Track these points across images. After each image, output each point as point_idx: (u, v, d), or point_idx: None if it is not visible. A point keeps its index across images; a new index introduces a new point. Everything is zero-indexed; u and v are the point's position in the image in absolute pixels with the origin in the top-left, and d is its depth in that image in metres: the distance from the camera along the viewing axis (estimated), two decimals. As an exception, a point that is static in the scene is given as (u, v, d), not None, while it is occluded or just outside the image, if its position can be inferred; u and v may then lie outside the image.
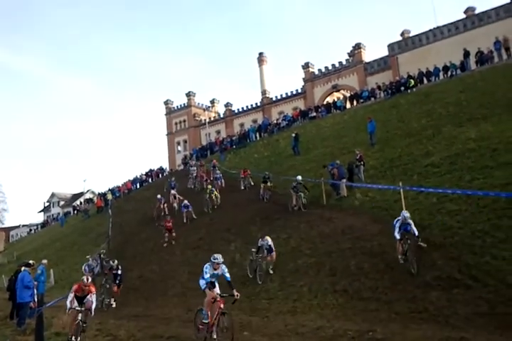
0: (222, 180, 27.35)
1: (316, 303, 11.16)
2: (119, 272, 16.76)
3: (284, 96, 57.31)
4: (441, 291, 9.63)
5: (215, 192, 24.09)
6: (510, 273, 9.14)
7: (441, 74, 32.87)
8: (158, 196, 28.09)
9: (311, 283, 12.38)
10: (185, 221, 23.52)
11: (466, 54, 32.12)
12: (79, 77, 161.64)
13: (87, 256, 22.41)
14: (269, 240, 14.24)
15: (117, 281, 16.51)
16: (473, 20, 42.91)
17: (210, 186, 25.13)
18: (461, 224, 12.01)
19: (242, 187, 25.58)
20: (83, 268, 20.42)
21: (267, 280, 13.79)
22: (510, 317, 7.89)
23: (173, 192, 27.80)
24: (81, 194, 72.58)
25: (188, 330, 10.20)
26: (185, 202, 23.75)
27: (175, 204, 26.58)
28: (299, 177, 18.96)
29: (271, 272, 14.06)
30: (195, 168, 33.86)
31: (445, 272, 10.21)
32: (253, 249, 14.71)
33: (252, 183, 25.15)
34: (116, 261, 17.17)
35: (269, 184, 22.07)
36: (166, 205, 27.14)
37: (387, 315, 9.55)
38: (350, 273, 12.04)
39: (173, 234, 21.29)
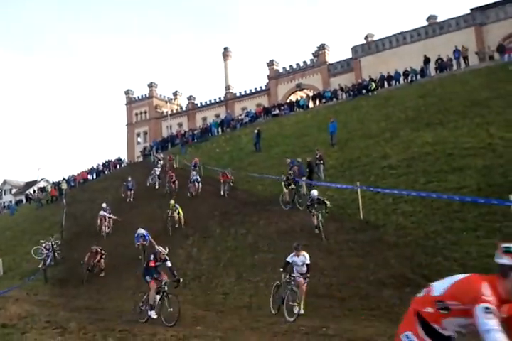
0: (199, 184, 23.42)
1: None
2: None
3: (247, 92, 57.36)
4: (393, 289, 9.90)
5: (179, 210, 19.79)
6: (459, 273, 9.46)
7: (401, 78, 33.71)
8: (101, 212, 23.05)
9: (267, 278, 12.46)
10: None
11: (427, 60, 33.11)
12: (34, 59, 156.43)
13: (41, 241, 22.01)
14: (306, 256, 10.11)
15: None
16: (434, 28, 44.25)
17: (172, 201, 20.17)
18: (415, 225, 12.39)
19: (222, 193, 21.71)
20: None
21: (223, 275, 13.78)
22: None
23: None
24: (34, 182, 70.46)
25: (140, 324, 10.10)
26: (141, 231, 17.89)
27: (103, 228, 22.40)
28: (315, 193, 14.58)
29: (301, 312, 9.59)
30: (160, 164, 31.28)
31: (398, 271, 10.51)
32: (281, 269, 10.38)
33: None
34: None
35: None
36: (112, 217, 22.95)
37: (340, 311, 9.75)
38: (306, 269, 12.18)
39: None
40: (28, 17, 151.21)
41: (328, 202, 14.51)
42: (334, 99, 36.04)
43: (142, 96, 65.34)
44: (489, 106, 19.93)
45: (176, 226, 19.67)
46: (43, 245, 21.27)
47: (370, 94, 32.14)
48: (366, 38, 49.12)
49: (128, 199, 26.80)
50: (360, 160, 19.53)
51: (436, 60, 32.38)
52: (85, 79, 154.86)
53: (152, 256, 10.79)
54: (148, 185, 29.06)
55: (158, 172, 29.05)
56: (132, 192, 27.23)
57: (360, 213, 14.13)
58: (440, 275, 9.70)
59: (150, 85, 64.70)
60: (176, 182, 25.27)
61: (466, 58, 31.88)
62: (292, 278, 9.84)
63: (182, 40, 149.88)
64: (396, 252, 11.37)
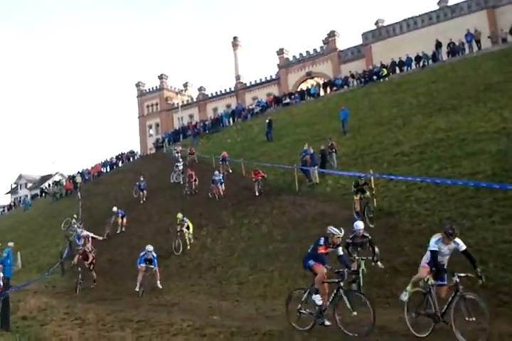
0: (223, 185, 21.15)
1: (286, 288, 11.29)
2: None
3: (258, 81, 57.04)
4: (408, 277, 9.81)
5: (189, 224, 16.98)
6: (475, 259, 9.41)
7: (413, 64, 33.29)
8: (115, 208, 22.43)
9: (281, 268, 12.54)
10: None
11: (438, 45, 32.61)
12: (46, 51, 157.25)
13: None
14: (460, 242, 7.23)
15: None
16: (445, 11, 43.43)
17: (180, 215, 17.38)
18: (429, 212, 12.30)
19: (257, 193, 19.22)
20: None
21: (238, 265, 13.85)
22: (473, 302, 8.16)
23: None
24: (49, 176, 71.27)
25: (157, 314, 10.23)
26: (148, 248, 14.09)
27: (118, 231, 21.90)
28: (360, 226, 10.27)
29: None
30: (179, 157, 29.21)
31: (413, 258, 10.45)
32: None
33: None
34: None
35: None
36: (124, 220, 22.12)
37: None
38: (320, 258, 12.20)
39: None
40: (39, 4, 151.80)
41: (377, 250, 10.33)
42: (345, 87, 35.74)
43: (153, 88, 65.37)
44: (502, 90, 19.62)
45: (188, 247, 16.68)
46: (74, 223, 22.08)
47: (381, 80, 31.83)
48: (377, 23, 48.41)
49: (141, 201, 25.52)
50: (372, 148, 19.41)
51: (448, 44, 31.88)
52: (97, 72, 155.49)
53: (322, 240, 8.09)
54: (172, 182, 27.00)
55: (181, 167, 27.01)
56: (145, 192, 25.90)
57: (373, 201, 14.06)
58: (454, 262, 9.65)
59: (160, 77, 64.68)
60: (197, 182, 23.39)
61: (478, 42, 31.31)
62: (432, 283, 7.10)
63: (191, 30, 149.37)
64: (410, 239, 11.32)
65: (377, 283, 10.13)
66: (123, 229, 21.81)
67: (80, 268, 15.48)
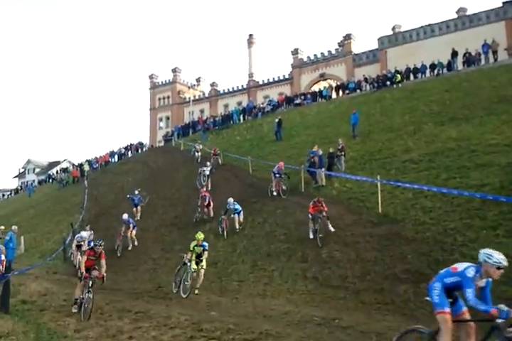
0: (241, 215, 16.84)
1: (285, 288, 11.35)
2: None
3: (270, 80, 57.02)
4: (409, 284, 9.88)
5: (200, 267, 11.81)
6: (477, 271, 9.41)
7: (427, 71, 33.15)
8: (125, 216, 18.76)
9: (282, 268, 12.57)
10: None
11: (454, 54, 32.40)
12: (61, 39, 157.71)
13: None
14: None
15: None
16: (463, 21, 43.22)
17: (201, 235, 12.05)
18: (434, 221, 12.27)
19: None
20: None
21: (239, 262, 13.90)
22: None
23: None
24: (57, 162, 71.72)
25: (156, 306, 10.28)
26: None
27: (129, 247, 18.49)
28: None
29: None
30: (208, 165, 23.64)
31: (414, 266, 10.48)
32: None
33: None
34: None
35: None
36: (134, 232, 18.66)
37: (354, 304, 9.79)
38: (321, 260, 12.26)
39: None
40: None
41: None
42: (358, 90, 35.63)
43: (166, 81, 65.54)
44: (516, 103, 19.50)
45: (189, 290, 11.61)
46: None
47: (394, 86, 31.69)
48: (393, 28, 48.24)
49: (135, 218, 20.93)
50: (381, 153, 19.36)
51: (464, 54, 31.69)
52: (112, 62, 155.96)
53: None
54: (197, 185, 23.05)
55: (208, 173, 22.75)
56: (139, 208, 21.71)
57: (378, 207, 14.05)
58: (457, 272, 9.60)
59: (174, 70, 64.82)
60: (211, 206, 18.76)
61: (495, 53, 31.13)
62: None
63: (208, 25, 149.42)
64: (413, 247, 11.31)
65: (377, 289, 10.13)
66: (135, 243, 18.56)
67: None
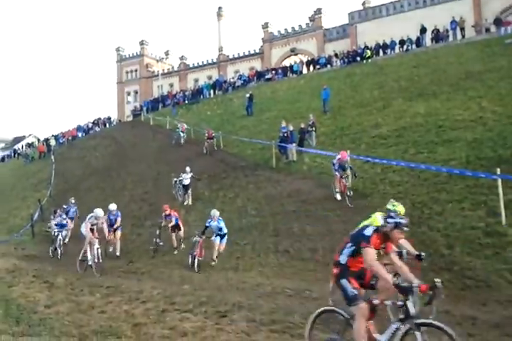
0: (225, 240, 12.17)
1: (258, 262, 11.49)
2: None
3: (241, 55, 56.29)
4: (377, 256, 10.13)
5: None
6: (443, 243, 9.73)
7: (397, 47, 33.34)
8: (113, 206, 14.23)
9: (254, 242, 12.69)
10: None
11: (423, 30, 32.70)
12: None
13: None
14: None
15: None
16: (432, -3, 43.35)
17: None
18: (401, 195, 12.53)
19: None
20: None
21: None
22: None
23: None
24: (22, 137, 69.76)
25: (127, 281, 10.27)
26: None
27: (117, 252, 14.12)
28: None
29: None
30: (188, 172, 17.93)
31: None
32: None
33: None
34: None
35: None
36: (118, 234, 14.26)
37: (324, 275, 9.95)
38: (292, 234, 12.43)
39: None
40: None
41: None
42: (328, 66, 35.59)
43: (133, 54, 63.86)
44: (483, 79, 19.88)
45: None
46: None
47: (364, 61, 31.79)
48: (364, 3, 48.06)
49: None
50: (351, 129, 19.54)
51: (433, 31, 32.01)
52: (76, 33, 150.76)
53: None
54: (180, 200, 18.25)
55: (187, 182, 17.73)
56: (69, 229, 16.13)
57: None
58: (424, 244, 9.97)
59: (141, 43, 63.18)
60: (181, 231, 13.97)
61: (462, 29, 31.56)
62: None
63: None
64: (381, 220, 11.55)
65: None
66: (117, 252, 14.08)
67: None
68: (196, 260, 11.53)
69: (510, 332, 5.58)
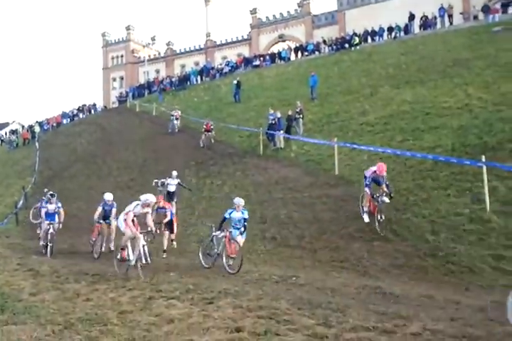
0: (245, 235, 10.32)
1: (244, 248, 11.49)
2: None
3: (228, 41, 55.89)
4: (362, 243, 10.22)
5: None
6: (427, 229, 9.84)
7: (385, 34, 33.27)
8: (108, 196, 13.07)
9: (241, 228, 12.67)
10: None
11: (411, 17, 32.69)
12: None
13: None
14: None
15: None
16: (421, -17, 43.17)
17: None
18: (387, 182, 12.60)
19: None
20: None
21: (198, 224, 13.93)
22: (423, 270, 8.60)
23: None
24: (6, 124, 68.69)
25: (113, 269, 10.21)
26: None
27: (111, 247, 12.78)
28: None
29: None
30: (174, 176, 15.53)
31: (368, 225, 10.80)
32: None
33: None
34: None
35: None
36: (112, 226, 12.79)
37: (311, 262, 10.05)
38: (279, 221, 12.47)
39: None
40: None
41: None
42: (316, 52, 35.44)
43: (119, 39, 63.08)
44: (469, 67, 19.96)
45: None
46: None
47: (352, 48, 31.71)
48: (352, -11, 47.87)
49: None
50: (338, 116, 19.54)
51: (421, 18, 31.98)
52: (61, 18, 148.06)
53: None
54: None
55: (173, 189, 15.44)
56: (54, 229, 13.19)
57: (335, 169, 14.28)
58: (409, 230, 10.07)
59: (128, 28, 62.39)
60: (174, 231, 12.48)
61: (450, 17, 31.57)
62: None
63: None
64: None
65: (333, 248, 10.43)
66: (110, 246, 12.89)
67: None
68: (231, 260, 9.68)
69: (494, 316, 5.65)
